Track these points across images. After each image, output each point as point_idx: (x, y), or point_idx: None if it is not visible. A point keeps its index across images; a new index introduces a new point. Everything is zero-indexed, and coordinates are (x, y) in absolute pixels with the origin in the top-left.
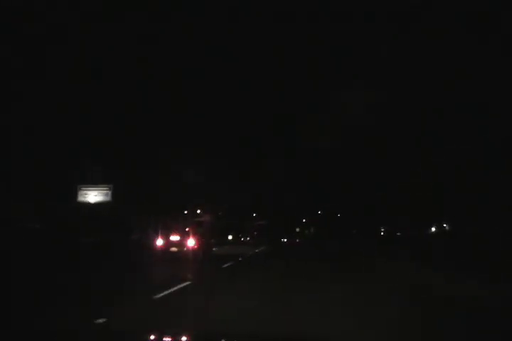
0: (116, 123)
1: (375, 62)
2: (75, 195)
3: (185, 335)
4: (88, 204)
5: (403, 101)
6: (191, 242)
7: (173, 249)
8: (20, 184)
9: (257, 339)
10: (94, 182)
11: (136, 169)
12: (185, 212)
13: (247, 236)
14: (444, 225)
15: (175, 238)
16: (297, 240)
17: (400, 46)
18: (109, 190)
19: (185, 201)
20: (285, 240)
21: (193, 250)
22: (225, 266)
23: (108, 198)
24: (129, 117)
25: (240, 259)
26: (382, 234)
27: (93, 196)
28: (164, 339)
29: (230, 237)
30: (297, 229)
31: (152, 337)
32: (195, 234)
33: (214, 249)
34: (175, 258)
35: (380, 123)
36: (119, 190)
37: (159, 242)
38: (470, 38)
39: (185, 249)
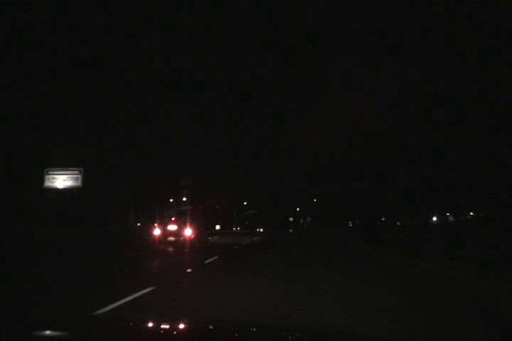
0: (115, 122)
1: (374, 62)
2: (42, 180)
3: (183, 322)
4: (56, 189)
5: (403, 100)
6: (188, 232)
7: (171, 238)
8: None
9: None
10: (63, 165)
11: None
12: (171, 200)
13: (238, 226)
14: (448, 214)
15: (172, 228)
16: (290, 230)
17: (399, 46)
18: (80, 173)
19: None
20: (261, 230)
21: (190, 239)
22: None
23: (78, 183)
24: (128, 117)
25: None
26: (379, 224)
27: (62, 181)
28: (162, 326)
29: (217, 227)
30: (291, 219)
31: (150, 324)
32: (191, 224)
33: (210, 238)
34: (172, 248)
35: (380, 122)
36: (117, 189)
37: (157, 232)
38: (470, 40)
39: (182, 238)
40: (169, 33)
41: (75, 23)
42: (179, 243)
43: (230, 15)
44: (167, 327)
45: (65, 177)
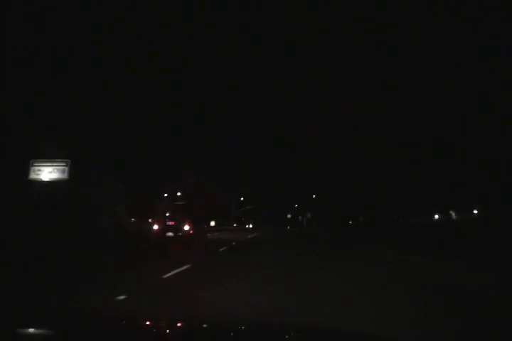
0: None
1: (374, 62)
2: (27, 172)
3: (182, 322)
4: (41, 182)
5: (403, 100)
6: (187, 227)
7: (169, 233)
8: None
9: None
10: (49, 157)
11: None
12: (165, 195)
13: (234, 223)
14: (451, 212)
15: (170, 223)
16: (288, 227)
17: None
18: (67, 165)
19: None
20: (250, 226)
21: (189, 235)
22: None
23: (65, 175)
24: (128, 116)
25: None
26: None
27: (47, 173)
28: (161, 326)
29: (212, 223)
30: (288, 216)
31: (149, 324)
32: (189, 219)
33: (208, 234)
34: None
35: (380, 122)
36: (116, 187)
37: (155, 227)
38: (469, 44)
39: (180, 234)
40: (169, 33)
41: (76, 23)
42: (177, 239)
43: (230, 15)
44: (166, 326)
45: (50, 169)
